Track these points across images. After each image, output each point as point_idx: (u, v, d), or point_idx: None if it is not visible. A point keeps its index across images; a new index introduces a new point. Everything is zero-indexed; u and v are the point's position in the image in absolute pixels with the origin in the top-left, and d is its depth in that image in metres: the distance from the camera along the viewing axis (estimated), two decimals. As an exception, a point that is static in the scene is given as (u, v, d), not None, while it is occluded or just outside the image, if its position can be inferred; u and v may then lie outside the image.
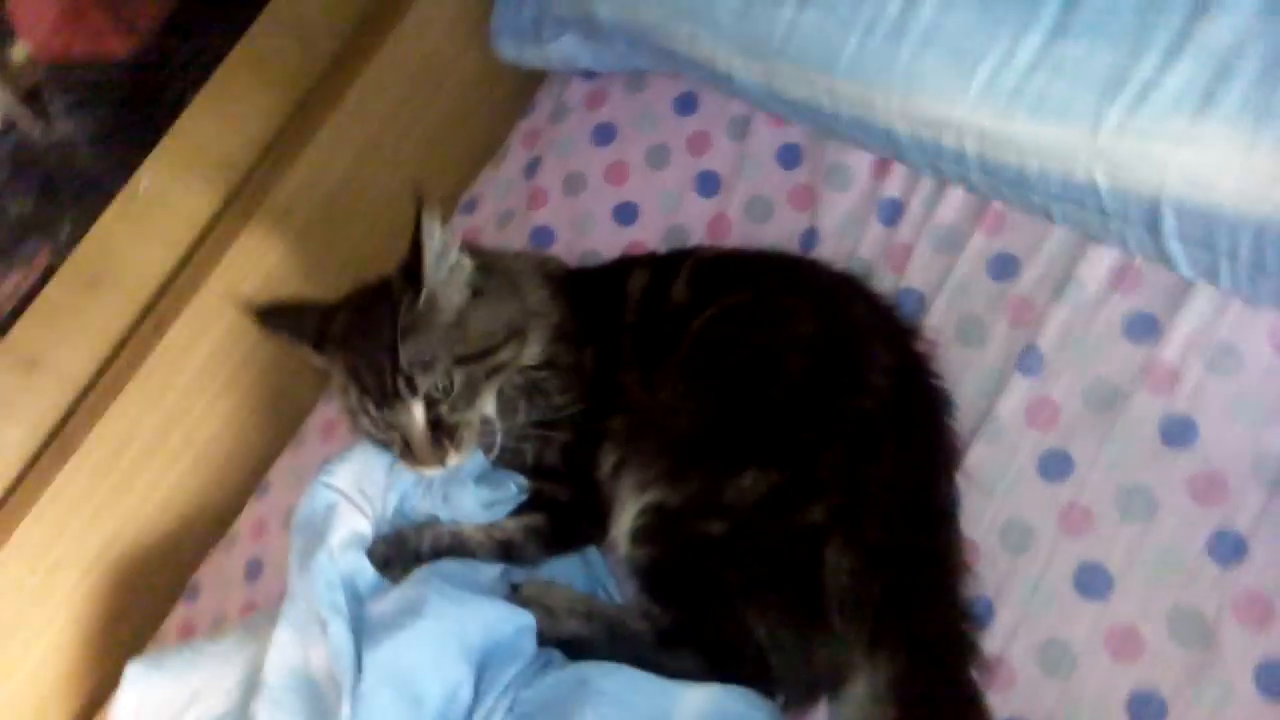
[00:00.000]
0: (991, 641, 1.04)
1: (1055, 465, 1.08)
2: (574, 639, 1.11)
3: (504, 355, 1.15)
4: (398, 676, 1.06)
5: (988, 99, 1.08)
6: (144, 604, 1.62)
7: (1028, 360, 1.13)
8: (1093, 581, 1.02)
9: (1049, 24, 1.04)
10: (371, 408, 1.13)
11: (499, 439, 1.17)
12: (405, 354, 1.10)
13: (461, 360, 1.12)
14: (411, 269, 1.12)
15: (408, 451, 1.14)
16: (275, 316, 1.20)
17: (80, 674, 1.63)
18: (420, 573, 1.12)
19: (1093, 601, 1.02)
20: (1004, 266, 1.18)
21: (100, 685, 1.60)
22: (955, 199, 1.23)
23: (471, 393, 1.13)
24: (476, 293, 1.15)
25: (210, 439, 1.62)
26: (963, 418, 1.14)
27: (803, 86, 1.21)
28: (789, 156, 1.35)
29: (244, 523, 1.55)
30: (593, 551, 1.20)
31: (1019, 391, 1.12)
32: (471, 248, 1.19)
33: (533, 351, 1.18)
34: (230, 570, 1.52)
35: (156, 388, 1.55)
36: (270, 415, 1.64)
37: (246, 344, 1.56)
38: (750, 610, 1.04)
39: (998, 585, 1.06)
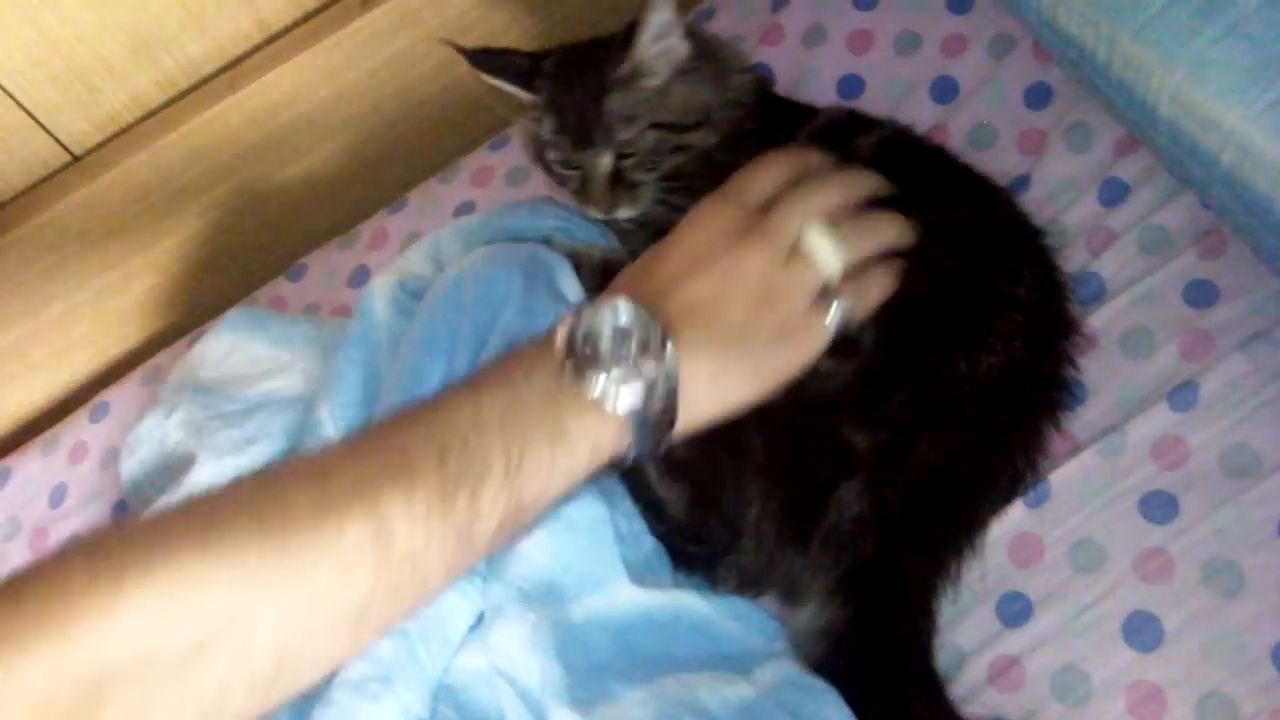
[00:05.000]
0: (1016, 641, 1.00)
1: (1159, 507, 1.01)
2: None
3: (693, 138, 1.17)
4: None
5: (1270, 117, 0.97)
6: (249, 262, 1.64)
7: (1181, 396, 1.05)
8: (1143, 631, 0.96)
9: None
10: (566, 145, 1.17)
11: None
12: (611, 104, 1.14)
13: (658, 125, 1.15)
14: (629, 36, 1.15)
15: (583, 191, 1.18)
16: (486, 58, 1.25)
17: (166, 300, 1.67)
18: None
19: (1134, 650, 0.96)
20: (1202, 294, 1.09)
21: (183, 318, 1.65)
22: (1184, 207, 1.14)
23: (657, 158, 1.16)
24: (684, 73, 1.18)
25: (370, 134, 1.62)
26: (1087, 421, 1.08)
27: (1087, 29, 1.11)
28: (1038, 96, 1.26)
29: (368, 228, 1.55)
30: None
31: (1158, 422, 1.04)
32: (693, 30, 1.20)
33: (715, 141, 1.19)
34: (339, 268, 1.53)
35: (340, 62, 1.53)
36: (432, 140, 1.63)
37: (429, 64, 1.55)
38: (757, 483, 1.02)
39: (1046, 594, 1.01)
